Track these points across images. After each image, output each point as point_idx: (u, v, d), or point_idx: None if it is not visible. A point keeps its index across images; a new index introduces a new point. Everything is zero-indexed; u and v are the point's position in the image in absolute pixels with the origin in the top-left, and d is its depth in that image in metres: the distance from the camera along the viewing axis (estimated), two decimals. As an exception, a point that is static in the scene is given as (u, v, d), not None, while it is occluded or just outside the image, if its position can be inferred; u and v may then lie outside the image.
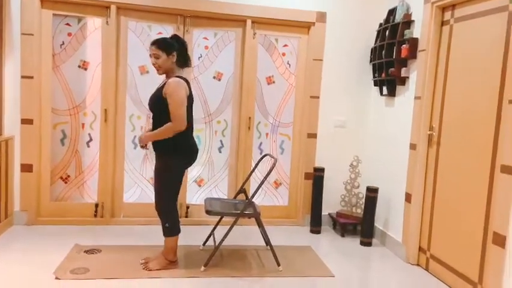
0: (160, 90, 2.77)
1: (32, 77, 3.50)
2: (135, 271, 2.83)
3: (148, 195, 3.93)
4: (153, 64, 2.80)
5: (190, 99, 2.82)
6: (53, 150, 3.71)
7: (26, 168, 3.56)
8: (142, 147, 2.88)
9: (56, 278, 2.65)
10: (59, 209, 3.73)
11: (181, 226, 2.93)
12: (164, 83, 2.78)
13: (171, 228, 2.85)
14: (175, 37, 2.89)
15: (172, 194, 2.86)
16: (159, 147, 2.83)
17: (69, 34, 3.66)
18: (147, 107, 2.95)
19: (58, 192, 3.79)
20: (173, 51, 2.78)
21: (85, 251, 3.10)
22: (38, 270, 2.76)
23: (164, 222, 2.84)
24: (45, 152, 3.66)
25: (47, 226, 3.61)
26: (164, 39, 2.84)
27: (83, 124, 3.77)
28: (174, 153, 2.78)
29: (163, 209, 2.85)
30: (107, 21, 3.65)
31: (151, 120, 2.88)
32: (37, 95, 3.56)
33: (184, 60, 2.87)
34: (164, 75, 2.88)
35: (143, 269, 2.87)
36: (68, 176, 3.79)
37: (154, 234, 3.54)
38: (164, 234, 2.87)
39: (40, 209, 3.69)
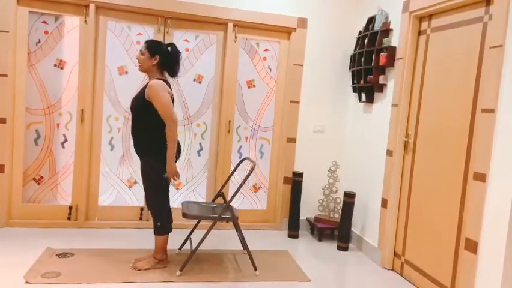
0: (142, 92, 2.82)
1: (6, 75, 3.41)
2: (108, 275, 2.76)
3: (124, 198, 3.87)
4: (136, 58, 2.90)
5: None
6: (26, 151, 3.61)
7: (-2, 168, 3.47)
8: (175, 178, 2.83)
9: (27, 282, 2.57)
10: (31, 211, 3.63)
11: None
12: (146, 84, 2.83)
13: (162, 227, 2.90)
14: (170, 45, 2.93)
15: (161, 194, 2.92)
16: (141, 148, 2.87)
17: (46, 32, 3.58)
18: (128, 109, 2.95)
19: (31, 194, 3.68)
20: (157, 55, 2.84)
21: (57, 255, 3.02)
22: (8, 273, 2.68)
23: (156, 221, 2.90)
24: (18, 152, 3.56)
25: (19, 228, 3.51)
26: (156, 42, 2.94)
27: (58, 124, 3.68)
28: (157, 153, 2.81)
29: (154, 209, 2.92)
30: (85, 20, 3.58)
31: None
32: (11, 93, 3.46)
33: (170, 68, 2.90)
34: (146, 76, 2.97)
35: (132, 269, 2.88)
36: (42, 177, 3.69)
37: (129, 238, 3.49)
38: (155, 233, 2.93)
39: (12, 210, 3.58)
